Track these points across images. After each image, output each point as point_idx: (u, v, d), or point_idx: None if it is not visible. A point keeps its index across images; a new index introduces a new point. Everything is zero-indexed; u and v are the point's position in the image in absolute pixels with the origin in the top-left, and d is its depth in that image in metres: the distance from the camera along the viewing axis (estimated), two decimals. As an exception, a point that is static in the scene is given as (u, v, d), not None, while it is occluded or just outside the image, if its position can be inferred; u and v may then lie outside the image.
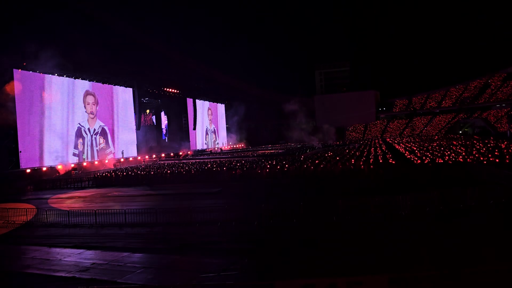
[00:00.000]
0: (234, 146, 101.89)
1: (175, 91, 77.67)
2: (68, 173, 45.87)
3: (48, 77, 46.36)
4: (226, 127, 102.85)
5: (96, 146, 54.04)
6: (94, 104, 53.97)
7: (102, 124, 55.25)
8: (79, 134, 50.70)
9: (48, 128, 45.68)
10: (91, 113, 53.36)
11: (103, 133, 55.52)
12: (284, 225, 16.46)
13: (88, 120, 52.69)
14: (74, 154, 49.39)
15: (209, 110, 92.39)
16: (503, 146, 41.33)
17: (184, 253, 13.81)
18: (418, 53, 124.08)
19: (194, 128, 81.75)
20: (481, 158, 31.28)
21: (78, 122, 50.84)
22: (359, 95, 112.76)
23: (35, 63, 43.20)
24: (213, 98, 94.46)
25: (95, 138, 53.98)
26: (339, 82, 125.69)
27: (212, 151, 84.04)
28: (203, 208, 18.54)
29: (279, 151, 65.69)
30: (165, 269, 12.52)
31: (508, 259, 10.46)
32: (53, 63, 44.31)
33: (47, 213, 20.84)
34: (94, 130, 53.75)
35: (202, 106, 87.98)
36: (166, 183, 34.72)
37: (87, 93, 52.85)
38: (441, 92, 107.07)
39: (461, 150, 40.00)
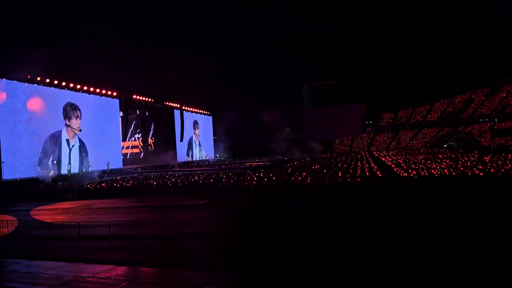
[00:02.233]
0: (221, 158, 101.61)
1: (162, 102, 77.41)
2: (51, 185, 45.06)
3: (31, 86, 45.78)
4: (213, 139, 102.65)
5: (81, 157, 53.35)
6: (77, 118, 53.28)
7: (81, 138, 54.36)
8: (61, 145, 50.01)
9: (31, 139, 44.97)
10: (77, 128, 52.74)
11: (83, 147, 54.68)
12: (270, 237, 16.32)
13: (69, 132, 51.90)
14: (55, 165, 48.60)
15: (196, 122, 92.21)
16: (487, 159, 41.96)
17: (169, 266, 13.58)
18: (404, 68, 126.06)
19: (181, 140, 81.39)
20: (466, 171, 31.69)
21: (62, 133, 50.18)
22: (346, 108, 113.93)
23: (18, 72, 42.70)
24: (200, 110, 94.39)
25: (79, 149, 53.26)
26: (326, 95, 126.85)
27: (199, 163, 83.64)
28: (189, 221, 18.34)
29: (266, 163, 65.66)
30: (149, 283, 12.28)
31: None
32: (37, 72, 43.86)
33: (29, 225, 20.36)
34: (76, 143, 53.01)
35: (189, 117, 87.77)
36: (152, 195, 34.33)
37: (72, 107, 52.31)
38: (427, 106, 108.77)
39: (447, 163, 40.48)
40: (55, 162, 48.45)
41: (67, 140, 51.22)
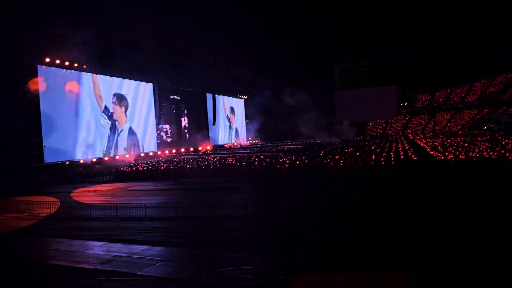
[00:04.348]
0: (253, 141, 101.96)
1: (195, 86, 78.05)
2: (90, 167, 46.68)
3: (71, 73, 47.19)
4: (246, 122, 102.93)
5: (121, 143, 54.98)
6: (123, 107, 55.33)
7: (130, 124, 56.22)
8: (103, 129, 51.55)
9: (72, 124, 46.54)
10: (120, 115, 54.69)
11: (130, 133, 56.67)
12: (303, 220, 16.37)
13: (116, 119, 53.98)
14: (93, 148, 50.25)
15: (229, 105, 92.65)
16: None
17: (202, 247, 13.90)
18: (441, 47, 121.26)
19: (214, 124, 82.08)
20: (507, 155, 30.50)
21: (104, 117, 51.94)
22: (379, 90, 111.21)
23: (58, 58, 44.01)
24: (232, 93, 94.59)
25: (121, 135, 55.02)
26: (360, 77, 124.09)
27: (231, 146, 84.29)
28: (222, 203, 18.63)
29: (298, 146, 65.39)
30: (184, 263, 12.63)
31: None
32: (77, 59, 45.09)
33: (70, 206, 21.26)
34: (122, 129, 55.04)
35: (222, 101, 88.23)
36: (185, 178, 34.98)
37: (117, 97, 54.30)
38: (465, 87, 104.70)
39: (486, 146, 39.06)
40: (94, 145, 50.12)
41: (113, 127, 52.92)
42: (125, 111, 56.04)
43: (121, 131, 54.88)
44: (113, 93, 54.14)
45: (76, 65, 46.99)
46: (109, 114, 53.00)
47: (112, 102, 53.63)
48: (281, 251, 12.89)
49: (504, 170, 23.79)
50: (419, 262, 10.48)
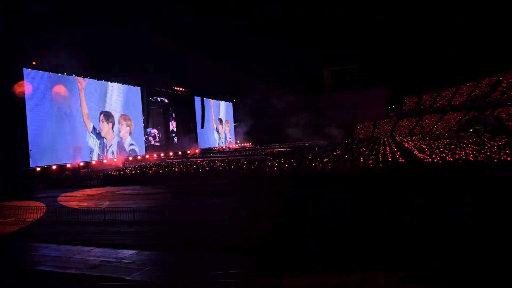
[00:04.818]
0: (242, 144, 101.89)
1: (183, 89, 77.85)
2: (77, 172, 46.17)
3: (57, 76, 46.69)
4: (234, 125, 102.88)
5: (107, 147, 54.56)
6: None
7: (108, 116, 55.80)
8: (89, 134, 51.08)
9: (58, 127, 46.01)
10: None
11: (119, 146, 56.65)
12: (293, 222, 16.35)
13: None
14: (82, 153, 49.76)
15: (217, 109, 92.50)
16: (514, 144, 40.76)
17: (192, 251, 13.78)
18: (428, 51, 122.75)
19: (202, 127, 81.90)
20: (493, 156, 30.90)
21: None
22: (368, 93, 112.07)
23: (45, 61, 43.54)
24: (220, 96, 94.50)
25: (109, 150, 54.90)
26: (348, 79, 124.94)
27: (220, 150, 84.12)
28: (211, 206, 18.53)
29: (287, 149, 65.53)
30: (172, 267, 12.51)
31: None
32: (63, 62, 44.61)
33: (57, 210, 20.96)
34: (111, 145, 55.07)
35: (210, 104, 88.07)
36: (174, 181, 34.77)
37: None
38: (452, 90, 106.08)
39: (472, 148, 39.54)
40: (81, 150, 49.61)
41: (94, 128, 52.35)
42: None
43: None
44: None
45: (63, 68, 46.57)
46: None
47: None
48: (271, 253, 12.83)
49: (492, 172, 24.08)
50: (411, 263, 10.51)
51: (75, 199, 28.41)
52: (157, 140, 72.23)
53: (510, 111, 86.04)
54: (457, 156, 32.99)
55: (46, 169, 43.47)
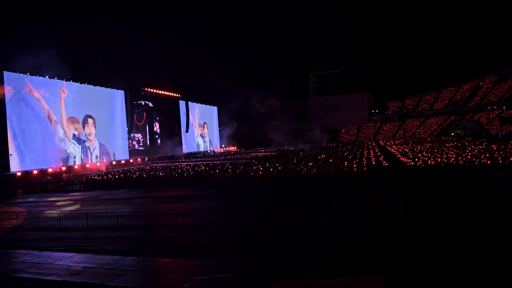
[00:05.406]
0: (227, 148, 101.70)
1: (167, 93, 77.42)
2: (59, 177, 45.43)
3: (38, 79, 45.97)
4: (219, 129, 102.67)
5: (90, 151, 53.86)
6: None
7: (91, 119, 55.02)
8: (70, 139, 50.35)
9: (39, 131, 45.24)
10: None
11: (101, 148, 55.89)
12: (278, 227, 16.36)
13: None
14: (64, 157, 48.99)
15: (202, 113, 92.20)
16: (494, 147, 41.60)
17: (176, 256, 13.65)
18: (410, 56, 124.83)
19: (187, 131, 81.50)
20: (473, 159, 31.47)
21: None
22: (352, 97, 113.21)
23: (25, 64, 42.84)
24: (205, 100, 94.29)
25: (93, 153, 54.19)
26: (332, 84, 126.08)
27: (205, 154, 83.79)
28: (195, 211, 18.40)
29: (272, 153, 65.64)
30: (157, 272, 12.37)
31: (502, 259, 10.47)
32: (44, 65, 43.96)
33: (38, 216, 20.55)
34: (94, 148, 54.27)
35: (195, 108, 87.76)
36: (158, 186, 34.48)
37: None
38: (433, 94, 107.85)
39: (454, 152, 40.22)
40: (65, 154, 48.89)
41: (75, 133, 51.60)
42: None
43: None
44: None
45: (45, 71, 45.88)
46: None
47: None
48: (257, 258, 12.80)
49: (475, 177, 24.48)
50: (396, 265, 10.59)
51: (57, 205, 27.93)
52: (141, 144, 71.60)
53: (490, 115, 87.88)
54: (439, 159, 33.49)
55: (27, 174, 42.67)
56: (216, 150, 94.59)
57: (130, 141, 65.94)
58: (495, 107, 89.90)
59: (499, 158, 30.70)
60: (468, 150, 41.42)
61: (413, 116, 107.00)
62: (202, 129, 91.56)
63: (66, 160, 49.02)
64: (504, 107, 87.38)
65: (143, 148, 71.06)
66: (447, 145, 52.94)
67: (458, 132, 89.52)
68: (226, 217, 17.50)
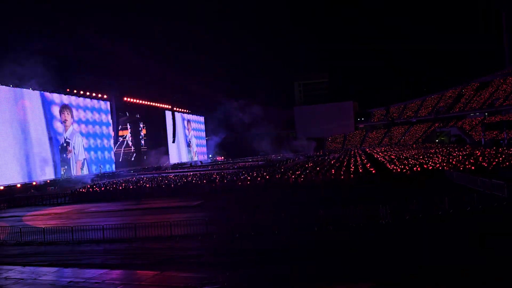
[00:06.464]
0: (214, 158, 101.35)
1: (154, 104, 77.09)
2: (43, 189, 44.68)
3: (20, 91, 45.38)
4: (206, 139, 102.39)
5: (74, 157, 53.13)
6: (69, 115, 53.25)
7: (76, 131, 54.19)
8: (56, 147, 49.68)
9: (22, 143, 44.55)
10: (65, 120, 52.51)
11: (77, 141, 54.68)
12: (266, 237, 16.31)
13: (63, 130, 51.97)
14: (50, 169, 48.26)
15: (188, 123, 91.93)
16: (478, 153, 42.25)
17: (164, 268, 13.48)
18: (395, 64, 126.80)
19: (174, 141, 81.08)
20: (458, 165, 31.88)
21: (55, 136, 50.00)
22: (337, 106, 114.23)
23: (6, 76, 42.29)
24: (192, 110, 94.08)
25: (72, 147, 53.15)
26: (318, 93, 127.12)
27: (192, 164, 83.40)
28: (183, 222, 18.24)
29: (259, 162, 65.62)
30: (144, 286, 12.18)
31: (488, 265, 10.59)
32: (26, 76, 43.43)
33: (22, 230, 20.13)
34: (67, 138, 52.88)
35: (181, 118, 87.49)
36: (145, 197, 34.13)
37: (63, 107, 52.26)
38: (418, 102, 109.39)
39: (439, 158, 40.71)
40: (50, 166, 48.13)
41: (61, 144, 50.97)
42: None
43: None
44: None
45: (27, 82, 45.33)
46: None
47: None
48: (244, 269, 12.72)
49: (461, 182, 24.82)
50: (383, 272, 10.62)
51: (41, 218, 27.40)
52: (127, 156, 70.99)
53: (473, 122, 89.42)
54: (425, 166, 33.85)
55: (10, 188, 41.87)
56: (203, 160, 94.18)
57: (116, 152, 65.32)
58: (477, 113, 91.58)
59: (484, 164, 31.20)
60: (453, 156, 41.97)
61: (398, 123, 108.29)
62: (189, 139, 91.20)
63: (50, 172, 48.27)
64: (486, 114, 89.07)
65: (129, 159, 70.45)
66: (431, 151, 53.58)
67: (442, 138, 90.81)
68: (213, 228, 17.38)
